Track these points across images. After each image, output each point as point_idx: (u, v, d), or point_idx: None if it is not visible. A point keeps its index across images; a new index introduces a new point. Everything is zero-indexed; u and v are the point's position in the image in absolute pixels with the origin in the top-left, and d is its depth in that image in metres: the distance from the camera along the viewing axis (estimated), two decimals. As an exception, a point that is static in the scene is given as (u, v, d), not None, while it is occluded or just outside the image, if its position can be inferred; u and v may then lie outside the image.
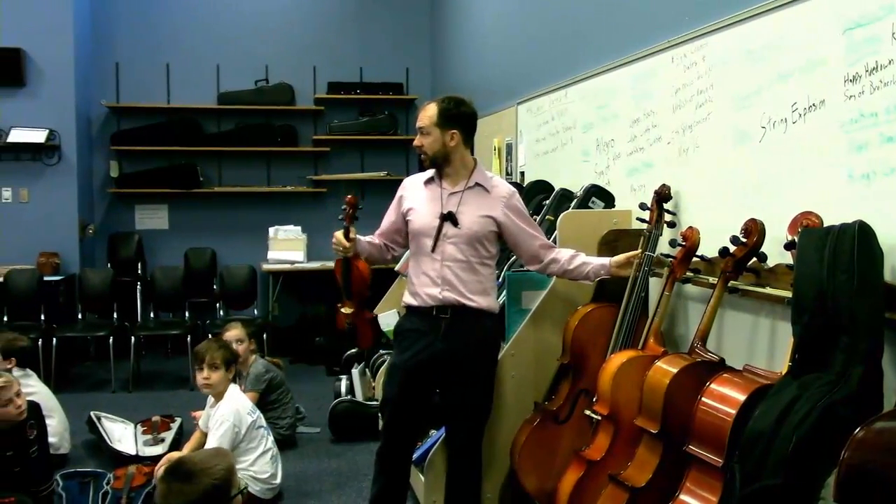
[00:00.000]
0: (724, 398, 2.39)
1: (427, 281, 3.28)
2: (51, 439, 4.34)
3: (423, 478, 3.69)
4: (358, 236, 3.49)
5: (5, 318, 6.64)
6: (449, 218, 3.26)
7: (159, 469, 3.76)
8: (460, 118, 3.30)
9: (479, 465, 3.42)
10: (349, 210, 3.53)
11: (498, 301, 3.47)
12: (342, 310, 4.18)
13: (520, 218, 3.35)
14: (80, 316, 7.08)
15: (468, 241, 3.26)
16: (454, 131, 3.27)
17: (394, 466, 3.43)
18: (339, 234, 3.43)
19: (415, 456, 3.78)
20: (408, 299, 3.39)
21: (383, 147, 8.13)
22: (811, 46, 2.58)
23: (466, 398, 3.33)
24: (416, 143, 3.35)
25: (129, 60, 7.88)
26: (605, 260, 3.32)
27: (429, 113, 3.30)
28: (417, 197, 3.39)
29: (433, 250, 3.27)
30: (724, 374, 2.48)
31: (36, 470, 3.87)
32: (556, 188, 4.20)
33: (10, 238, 7.06)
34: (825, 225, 2.37)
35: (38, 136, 7.10)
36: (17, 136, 7.07)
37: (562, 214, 3.64)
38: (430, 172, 3.39)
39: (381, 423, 3.73)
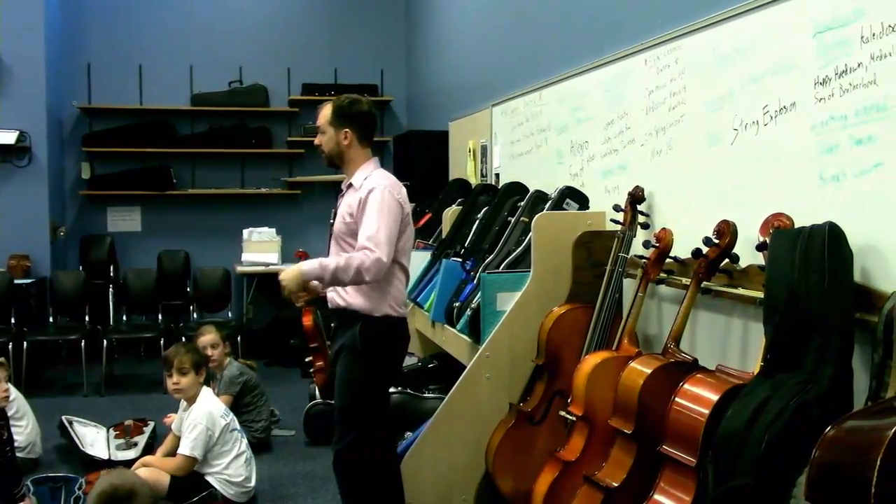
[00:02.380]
0: (697, 398, 2.40)
1: None
2: (22, 444, 4.30)
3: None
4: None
5: (-25, 322, 6.55)
6: (333, 219, 3.40)
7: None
8: (353, 117, 3.36)
9: (357, 482, 3.36)
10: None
11: (393, 306, 3.33)
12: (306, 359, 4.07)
13: (363, 212, 3.23)
14: (51, 319, 7.01)
15: (336, 241, 3.37)
16: (347, 130, 3.34)
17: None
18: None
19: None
20: None
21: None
22: (782, 49, 2.61)
23: (337, 399, 3.39)
24: (315, 141, 3.45)
25: (101, 61, 7.82)
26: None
27: (324, 112, 3.38)
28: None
29: (328, 252, 3.42)
30: (698, 375, 2.49)
31: (7, 472, 3.83)
32: (531, 190, 4.20)
33: (-20, 241, 6.97)
34: (796, 226, 2.39)
35: (9, 137, 7.01)
36: (-14, 137, 6.98)
37: (536, 216, 3.65)
38: None
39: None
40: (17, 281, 6.76)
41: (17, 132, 7.03)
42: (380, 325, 3.28)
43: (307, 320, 3.79)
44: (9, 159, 7.11)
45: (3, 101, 7.05)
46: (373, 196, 3.24)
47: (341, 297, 3.32)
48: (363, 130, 3.39)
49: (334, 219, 3.42)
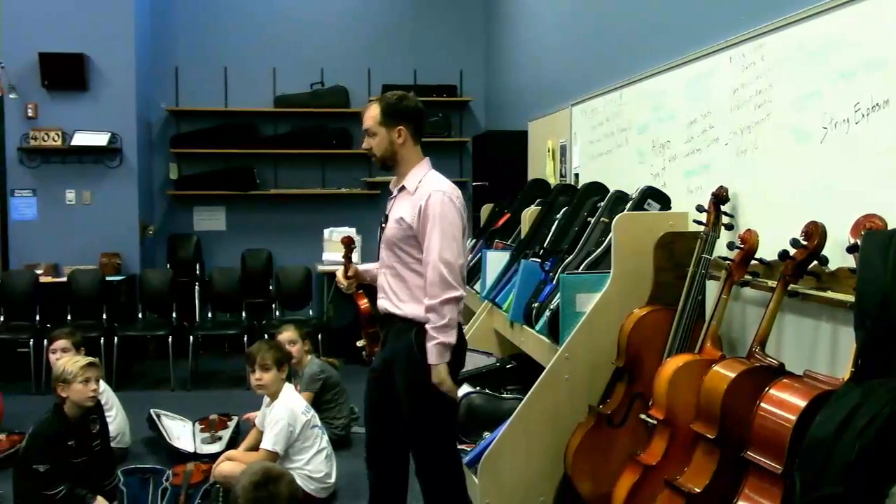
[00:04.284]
0: (783, 404, 2.34)
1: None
2: (112, 433, 4.44)
3: (475, 479, 3.69)
4: (366, 265, 3.52)
5: (69, 318, 6.81)
6: (385, 223, 3.22)
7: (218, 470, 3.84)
8: (405, 113, 3.18)
9: (440, 487, 3.27)
10: (345, 250, 3.55)
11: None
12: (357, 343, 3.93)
13: (425, 222, 3.10)
14: (140, 315, 7.23)
15: (388, 247, 3.20)
16: (400, 127, 3.16)
17: (377, 478, 3.35)
18: (339, 273, 3.49)
19: (467, 458, 3.79)
20: None
21: (437, 149, 8.10)
22: (874, 45, 2.52)
23: (406, 411, 3.19)
24: (363, 146, 3.25)
25: (188, 64, 8.05)
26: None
27: (371, 113, 3.18)
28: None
29: (378, 257, 3.30)
30: (784, 380, 2.43)
31: (99, 465, 3.98)
32: (611, 190, 4.16)
33: (74, 239, 7.27)
34: (889, 228, 2.31)
35: (101, 139, 7.29)
36: (80, 139, 7.26)
37: (616, 217, 3.61)
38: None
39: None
40: (108, 278, 7.02)
41: (109, 134, 7.30)
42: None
43: (364, 303, 3.66)
44: (101, 160, 7.38)
45: (95, 105, 7.33)
46: (433, 204, 3.08)
47: (394, 303, 3.18)
48: (415, 127, 3.21)
49: (385, 223, 3.24)
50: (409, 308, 3.14)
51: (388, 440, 3.30)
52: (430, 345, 3.03)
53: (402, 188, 3.22)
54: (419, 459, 3.26)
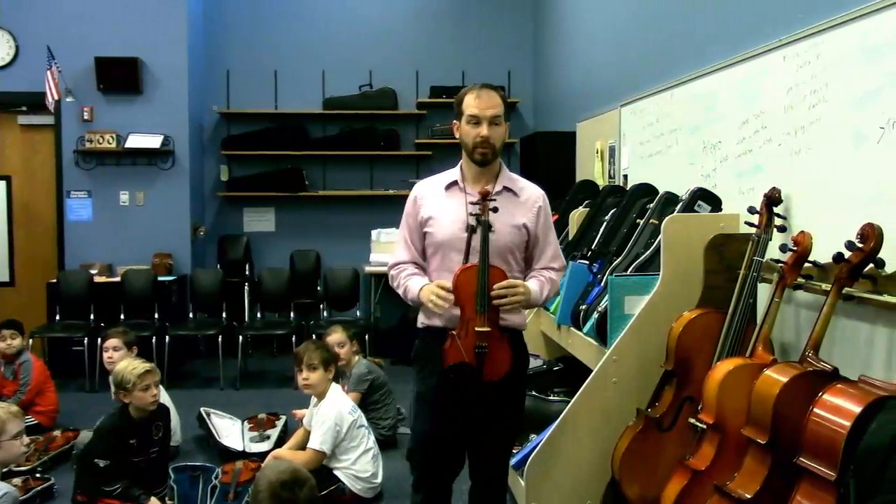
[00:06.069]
0: (837, 409, 2.29)
1: None
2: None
3: (522, 482, 3.68)
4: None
5: (122, 317, 6.93)
6: (482, 226, 2.84)
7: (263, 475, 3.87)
8: (506, 104, 3.03)
9: (506, 492, 3.20)
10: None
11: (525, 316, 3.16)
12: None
13: (546, 227, 3.06)
14: (191, 315, 7.35)
15: (500, 254, 2.92)
16: (507, 123, 3.02)
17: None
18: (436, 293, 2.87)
19: (514, 460, 3.77)
20: (430, 321, 3.01)
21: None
22: (935, 42, 2.46)
23: (498, 423, 3.02)
24: (484, 133, 2.90)
25: (240, 68, 8.16)
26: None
27: (497, 100, 2.95)
28: (438, 204, 3.01)
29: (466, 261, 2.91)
30: (838, 385, 2.38)
31: (155, 469, 4.05)
32: (661, 191, 4.12)
33: (127, 239, 7.41)
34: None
35: (154, 141, 7.42)
36: (134, 141, 7.40)
37: (666, 218, 3.57)
38: (451, 175, 3.05)
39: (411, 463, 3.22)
40: (160, 278, 7.14)
41: (162, 136, 7.44)
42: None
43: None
44: (154, 162, 7.52)
45: (149, 108, 7.47)
46: (547, 207, 3.04)
47: (500, 317, 2.90)
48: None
49: (479, 226, 2.83)
50: (517, 319, 3.02)
51: (487, 456, 3.10)
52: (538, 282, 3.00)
53: (506, 189, 2.99)
54: (500, 468, 3.14)
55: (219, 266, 7.91)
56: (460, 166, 3.06)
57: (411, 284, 2.98)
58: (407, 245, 3.08)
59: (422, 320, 3.06)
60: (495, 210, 2.84)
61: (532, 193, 3.04)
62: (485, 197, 2.84)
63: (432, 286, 2.87)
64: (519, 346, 3.04)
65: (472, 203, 2.88)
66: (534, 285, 2.98)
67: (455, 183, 3.02)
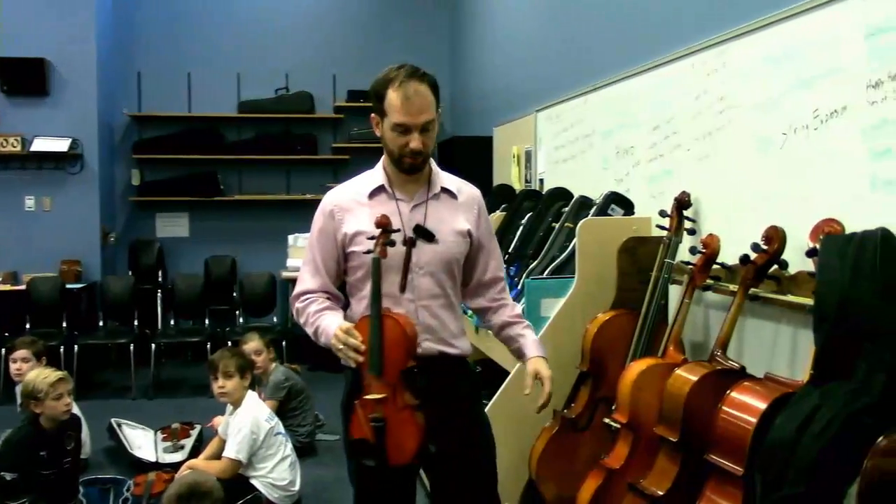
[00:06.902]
0: (744, 406, 2.37)
1: None
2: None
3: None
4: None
5: (28, 326, 6.69)
6: (423, 237, 2.37)
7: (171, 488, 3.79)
8: (438, 91, 2.46)
9: None
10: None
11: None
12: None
13: (488, 231, 2.59)
14: (101, 323, 7.14)
15: (446, 267, 2.43)
16: (439, 110, 2.44)
17: None
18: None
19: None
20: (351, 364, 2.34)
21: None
22: (833, 52, 2.56)
23: (473, 466, 2.52)
24: (415, 145, 2.35)
25: (151, 69, 7.97)
26: (531, 352, 2.59)
27: (428, 99, 2.39)
28: (364, 216, 2.40)
29: (403, 289, 2.34)
30: (745, 383, 2.45)
31: (65, 482, 3.92)
32: (575, 195, 4.18)
33: (34, 246, 7.14)
34: (847, 232, 2.35)
35: (61, 144, 7.18)
36: (40, 144, 7.15)
37: (581, 222, 3.63)
38: (373, 180, 2.48)
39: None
40: (68, 286, 6.91)
41: (70, 139, 7.20)
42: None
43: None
44: (62, 166, 7.27)
45: (56, 110, 7.22)
46: (485, 208, 2.57)
47: (449, 343, 2.48)
48: None
49: (415, 241, 2.34)
50: (464, 344, 2.54)
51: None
52: (535, 338, 2.63)
53: (444, 191, 2.49)
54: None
55: (130, 273, 7.71)
56: (383, 167, 2.49)
57: (324, 324, 2.38)
58: (317, 270, 2.48)
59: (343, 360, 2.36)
60: (392, 244, 2.28)
61: (470, 193, 2.55)
62: (385, 228, 2.28)
63: (338, 330, 2.27)
64: (463, 376, 2.58)
65: (369, 238, 2.32)
66: (539, 351, 2.59)
67: (382, 188, 2.45)
